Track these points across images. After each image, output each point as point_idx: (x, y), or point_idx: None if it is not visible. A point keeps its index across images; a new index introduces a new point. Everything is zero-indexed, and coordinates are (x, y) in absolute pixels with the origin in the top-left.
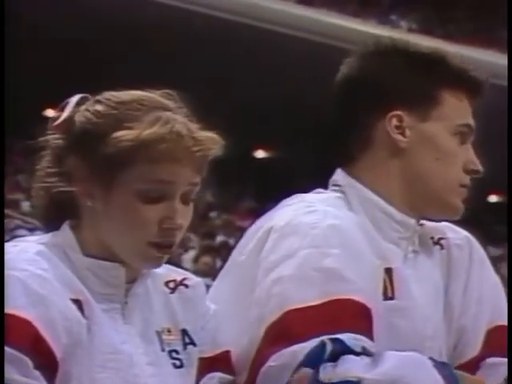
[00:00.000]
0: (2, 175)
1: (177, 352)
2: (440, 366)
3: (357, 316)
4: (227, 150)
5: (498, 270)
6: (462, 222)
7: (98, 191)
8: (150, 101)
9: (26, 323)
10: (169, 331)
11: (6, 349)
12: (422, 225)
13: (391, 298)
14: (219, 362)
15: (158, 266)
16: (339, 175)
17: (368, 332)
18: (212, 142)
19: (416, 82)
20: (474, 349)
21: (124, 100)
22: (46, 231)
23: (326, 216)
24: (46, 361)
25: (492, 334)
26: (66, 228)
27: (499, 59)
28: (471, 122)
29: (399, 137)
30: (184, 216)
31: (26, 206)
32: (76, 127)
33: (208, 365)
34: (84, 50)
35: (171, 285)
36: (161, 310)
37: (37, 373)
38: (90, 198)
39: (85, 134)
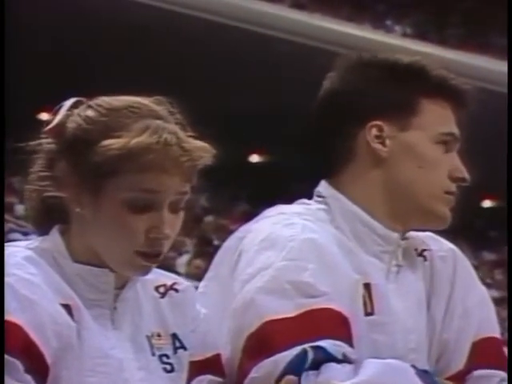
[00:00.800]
0: (2, 178)
1: (167, 356)
2: (422, 373)
3: (334, 323)
4: (222, 155)
5: (492, 276)
6: (455, 228)
7: (86, 198)
8: (141, 108)
9: (17, 327)
10: (159, 336)
11: None
12: (406, 239)
13: (371, 314)
14: (209, 365)
15: (145, 274)
16: (323, 186)
17: (347, 339)
18: (202, 151)
19: (394, 91)
20: (459, 362)
21: (115, 107)
22: (38, 235)
23: (304, 230)
24: (37, 365)
25: (478, 346)
26: (55, 233)
27: (494, 65)
28: (455, 130)
29: (379, 146)
30: (172, 225)
31: (20, 209)
32: (67, 132)
33: (198, 368)
34: (80, 52)
35: (161, 289)
36: (151, 315)
37: (28, 377)
38: (78, 204)
39: (75, 140)
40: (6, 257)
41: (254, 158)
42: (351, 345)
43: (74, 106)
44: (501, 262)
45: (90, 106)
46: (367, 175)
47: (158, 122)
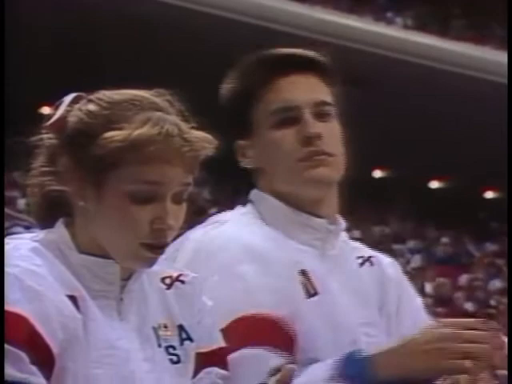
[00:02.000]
0: (2, 175)
1: (174, 348)
2: (344, 368)
3: (262, 330)
4: (225, 147)
5: (495, 266)
6: (458, 219)
7: (89, 192)
8: (142, 101)
9: (22, 319)
10: (165, 327)
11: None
12: (335, 225)
13: (315, 294)
14: (216, 357)
15: (151, 266)
16: (253, 191)
17: (274, 342)
18: (204, 141)
19: (230, 109)
20: None
21: (116, 100)
22: (40, 229)
23: (237, 236)
24: (43, 356)
25: None
26: (60, 225)
27: (495, 56)
28: (287, 103)
29: (244, 161)
30: (176, 216)
31: (22, 203)
32: (68, 127)
33: (205, 359)
34: (84, 47)
35: (167, 281)
36: (157, 306)
37: (33, 368)
38: (81, 198)
39: (77, 134)
40: (12, 249)
41: None
42: (282, 346)
43: (75, 100)
44: (503, 253)
45: (90, 100)
46: (263, 181)
47: (159, 113)
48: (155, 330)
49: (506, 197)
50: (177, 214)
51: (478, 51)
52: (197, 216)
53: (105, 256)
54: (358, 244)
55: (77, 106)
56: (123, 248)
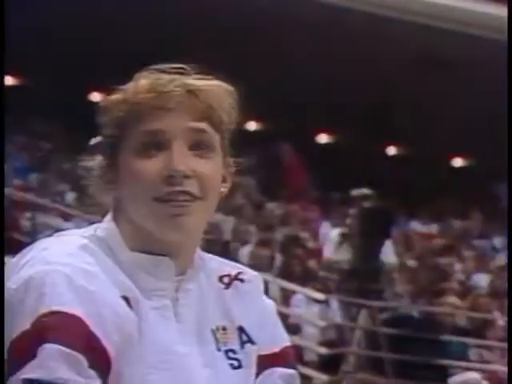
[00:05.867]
0: (2, 175)
1: (234, 352)
2: None
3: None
4: (287, 137)
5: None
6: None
7: (111, 174)
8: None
9: (77, 320)
10: (224, 329)
11: (59, 347)
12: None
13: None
14: (278, 358)
15: (179, 229)
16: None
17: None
18: (218, 89)
19: None
20: None
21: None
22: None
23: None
24: (100, 360)
25: None
26: (108, 220)
27: None
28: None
29: None
30: (197, 164)
31: (70, 197)
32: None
33: (266, 361)
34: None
35: (225, 280)
36: (215, 307)
37: (92, 372)
38: (111, 186)
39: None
40: (61, 246)
41: (322, 139)
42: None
43: None
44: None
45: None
46: None
47: (157, 74)
48: (213, 332)
49: (507, 196)
50: (196, 162)
51: None
52: (256, 211)
53: (155, 252)
54: None
55: None
56: (142, 209)
